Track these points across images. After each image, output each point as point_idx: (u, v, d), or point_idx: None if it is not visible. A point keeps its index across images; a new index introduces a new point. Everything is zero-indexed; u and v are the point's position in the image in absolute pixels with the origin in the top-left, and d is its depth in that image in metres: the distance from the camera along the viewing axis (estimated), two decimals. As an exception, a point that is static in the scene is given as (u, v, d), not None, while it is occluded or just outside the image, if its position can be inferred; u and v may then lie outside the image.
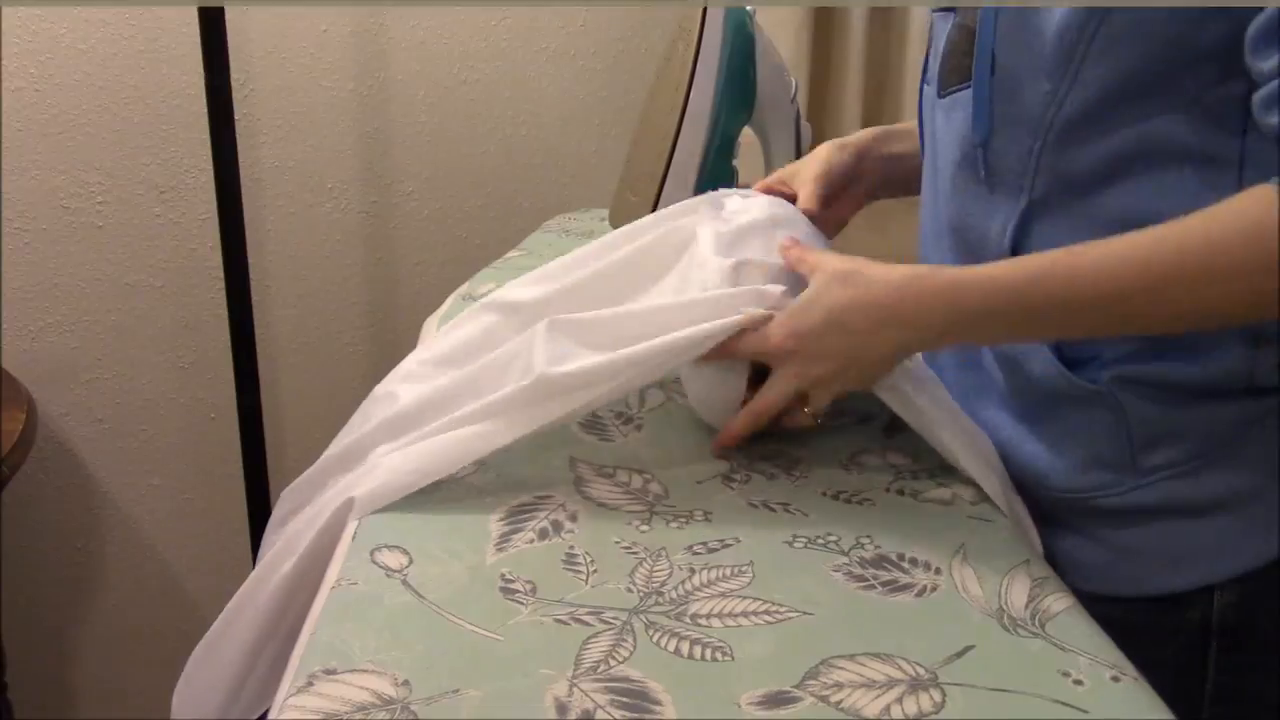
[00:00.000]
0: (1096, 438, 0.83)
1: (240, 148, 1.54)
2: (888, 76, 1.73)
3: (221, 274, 1.59)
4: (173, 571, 1.89)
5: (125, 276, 1.74)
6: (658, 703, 0.59)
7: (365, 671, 0.60)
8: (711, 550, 0.74)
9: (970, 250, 0.87)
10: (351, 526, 0.76)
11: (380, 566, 0.70)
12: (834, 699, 0.60)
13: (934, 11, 0.92)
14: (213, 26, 1.46)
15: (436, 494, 0.78)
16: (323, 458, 0.88)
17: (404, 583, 0.69)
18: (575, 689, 0.60)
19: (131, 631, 1.89)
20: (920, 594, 0.70)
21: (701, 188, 1.09)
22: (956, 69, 0.86)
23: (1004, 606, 0.69)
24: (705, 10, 1.08)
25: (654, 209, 1.08)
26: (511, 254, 1.33)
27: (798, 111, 1.18)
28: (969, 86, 0.83)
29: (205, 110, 1.50)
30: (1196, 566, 0.82)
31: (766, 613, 0.67)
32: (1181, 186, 0.77)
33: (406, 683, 0.60)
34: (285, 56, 1.70)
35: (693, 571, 0.71)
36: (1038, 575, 0.72)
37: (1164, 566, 0.83)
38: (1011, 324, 0.77)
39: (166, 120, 1.69)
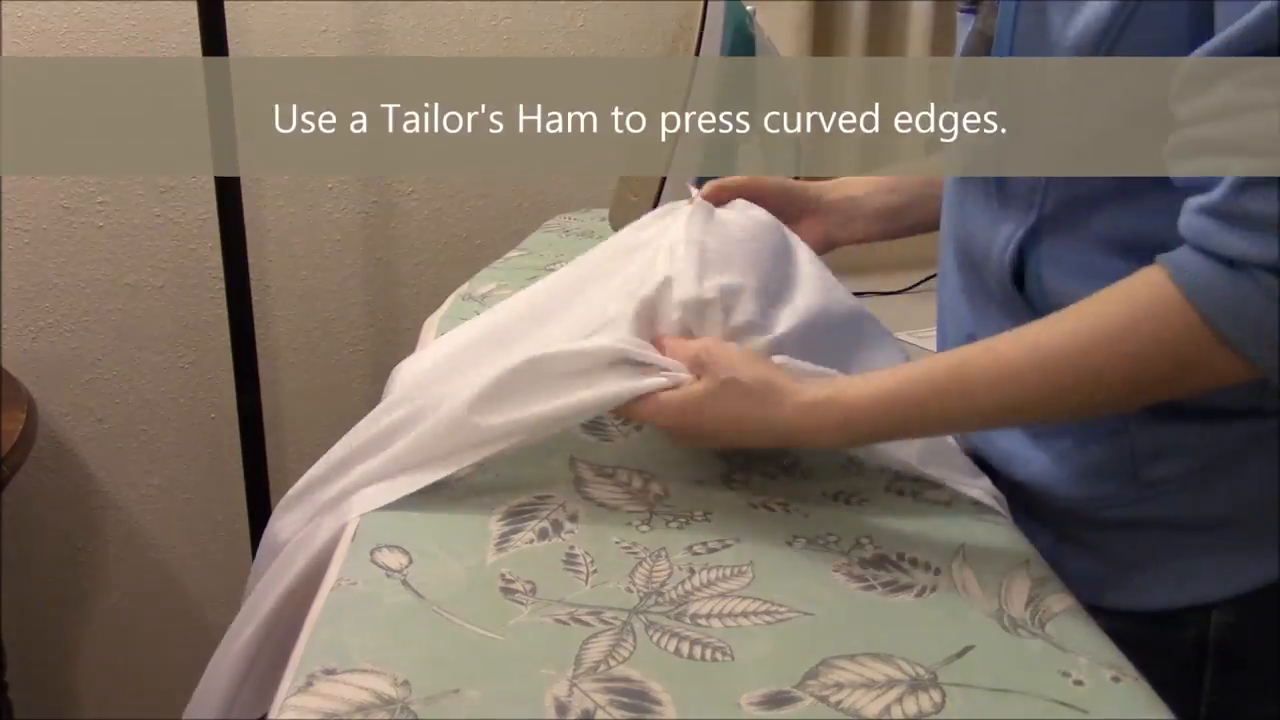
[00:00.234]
0: (1098, 450, 0.82)
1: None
2: (888, 76, 1.73)
3: (221, 274, 1.59)
4: (173, 571, 1.89)
5: (125, 276, 1.74)
6: (658, 703, 0.59)
7: (365, 671, 0.60)
8: (711, 550, 0.74)
9: (972, 262, 0.87)
10: (351, 526, 0.76)
11: (380, 566, 0.70)
12: (834, 699, 0.60)
13: (960, 12, 0.91)
14: (213, 26, 1.46)
15: (436, 494, 0.78)
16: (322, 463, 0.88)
17: (404, 583, 0.69)
18: (575, 689, 0.60)
19: (131, 631, 1.89)
20: (920, 594, 0.70)
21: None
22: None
23: (1004, 606, 0.69)
24: (705, 10, 1.08)
25: (654, 209, 1.08)
26: (511, 254, 1.33)
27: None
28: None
29: (205, 110, 1.50)
30: (1195, 584, 0.81)
31: (766, 613, 0.67)
32: None
33: (406, 683, 0.60)
34: (285, 55, 1.70)
35: (693, 571, 0.71)
36: (1038, 575, 0.72)
37: (1162, 582, 0.82)
38: (912, 434, 0.79)
39: (166, 120, 1.69)
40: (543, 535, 0.75)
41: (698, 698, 0.60)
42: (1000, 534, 0.78)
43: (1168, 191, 0.71)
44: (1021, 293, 0.82)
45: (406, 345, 1.10)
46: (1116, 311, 0.69)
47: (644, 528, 0.76)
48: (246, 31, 1.66)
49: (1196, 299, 0.66)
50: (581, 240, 1.39)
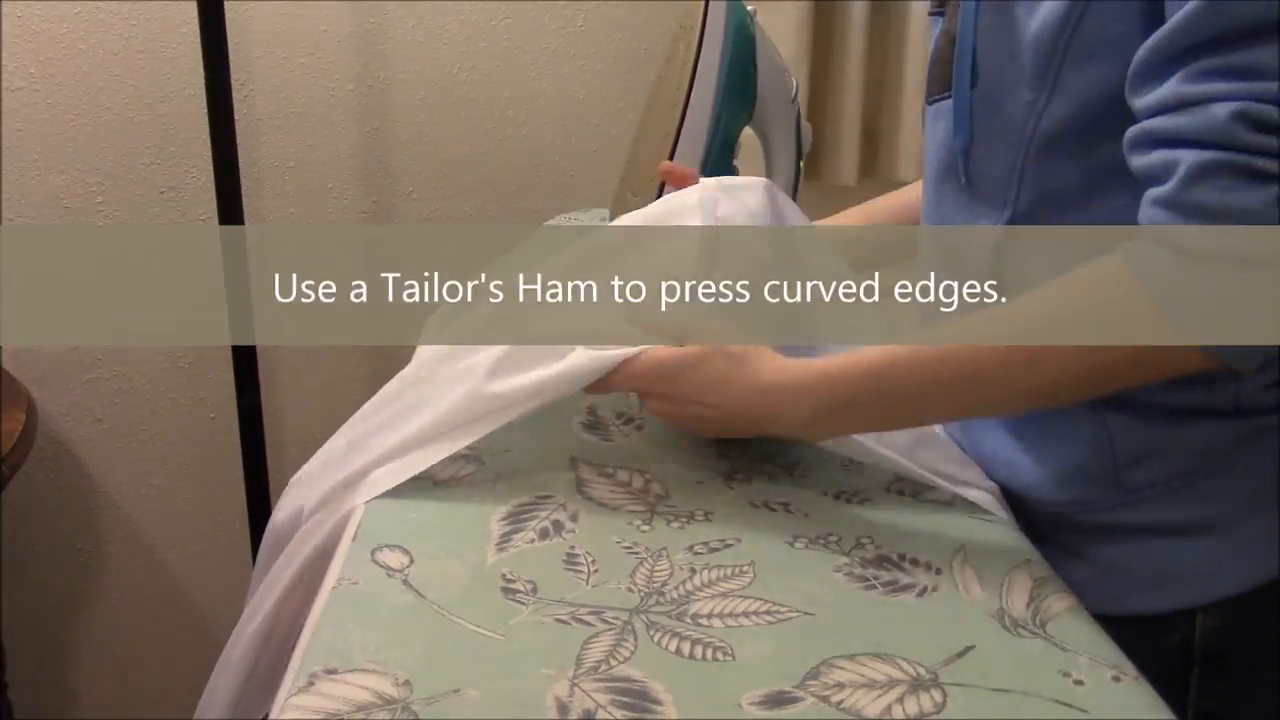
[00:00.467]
0: (1080, 453, 0.82)
1: (240, 148, 1.54)
2: (887, 77, 1.73)
3: (222, 274, 1.59)
4: (173, 571, 1.89)
5: (125, 276, 1.74)
6: (659, 703, 0.59)
7: (366, 671, 0.60)
8: (712, 550, 0.74)
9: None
10: (352, 526, 0.76)
11: (381, 566, 0.70)
12: (835, 699, 0.60)
13: (930, 15, 0.92)
14: (213, 26, 1.46)
15: (437, 494, 0.78)
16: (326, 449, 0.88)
17: (405, 582, 0.69)
18: (576, 689, 0.60)
19: (131, 631, 1.89)
20: (921, 594, 0.70)
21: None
22: (940, 77, 0.85)
23: (1004, 606, 0.69)
24: (706, 10, 1.08)
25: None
26: (511, 254, 1.33)
27: (798, 112, 1.18)
28: (951, 96, 0.83)
29: (205, 110, 1.50)
30: (1180, 588, 0.81)
31: (767, 613, 0.67)
32: None
33: (407, 682, 0.60)
34: (285, 56, 1.70)
35: (694, 571, 0.71)
36: (1038, 575, 0.72)
37: (1147, 586, 0.82)
38: (891, 404, 0.76)
39: (166, 120, 1.69)
40: (544, 535, 0.75)
41: (698, 698, 0.60)
42: (1001, 534, 0.78)
43: (1138, 186, 0.72)
44: (999, 292, 0.83)
45: (407, 345, 1.10)
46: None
47: (645, 527, 0.76)
48: (247, 32, 1.66)
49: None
50: (581, 240, 1.39)
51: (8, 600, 1.77)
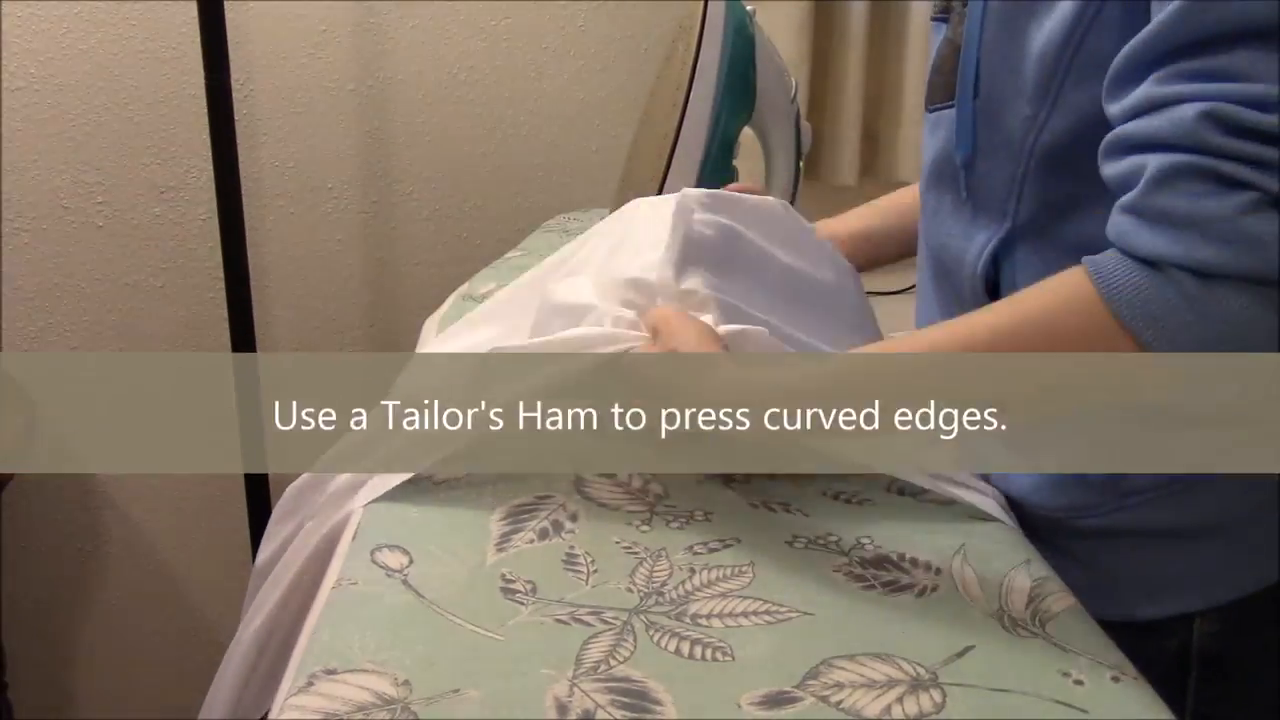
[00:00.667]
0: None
1: (240, 148, 1.54)
2: (887, 77, 1.73)
3: (221, 274, 1.59)
4: (173, 571, 1.89)
5: (125, 276, 1.74)
6: (658, 703, 0.59)
7: (365, 671, 0.60)
8: (712, 550, 0.74)
9: (946, 272, 0.86)
10: (352, 526, 0.76)
11: (380, 566, 0.70)
12: (834, 699, 0.60)
13: (932, 20, 0.92)
14: (213, 26, 1.47)
15: (437, 494, 0.78)
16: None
17: (404, 582, 0.69)
18: (575, 689, 0.60)
19: (131, 631, 1.89)
20: (920, 594, 0.70)
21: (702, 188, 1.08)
22: (942, 86, 0.85)
23: (1004, 606, 0.69)
24: (705, 10, 1.08)
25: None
26: (511, 254, 1.33)
27: (798, 112, 1.19)
28: (953, 105, 0.82)
29: (205, 110, 1.50)
30: (1177, 593, 0.81)
31: (767, 613, 0.67)
32: None
33: (407, 683, 0.60)
34: (285, 56, 1.70)
35: (693, 571, 0.71)
36: (1038, 575, 0.72)
37: (1144, 592, 0.82)
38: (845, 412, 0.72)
39: (166, 120, 1.69)
40: (543, 535, 0.75)
41: (698, 698, 0.60)
42: (1001, 534, 0.78)
43: None
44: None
45: (406, 345, 1.10)
46: (1039, 309, 0.68)
47: (644, 527, 0.76)
48: (247, 32, 1.66)
49: (1112, 301, 0.64)
50: (581, 240, 1.39)
51: (8, 600, 1.77)
